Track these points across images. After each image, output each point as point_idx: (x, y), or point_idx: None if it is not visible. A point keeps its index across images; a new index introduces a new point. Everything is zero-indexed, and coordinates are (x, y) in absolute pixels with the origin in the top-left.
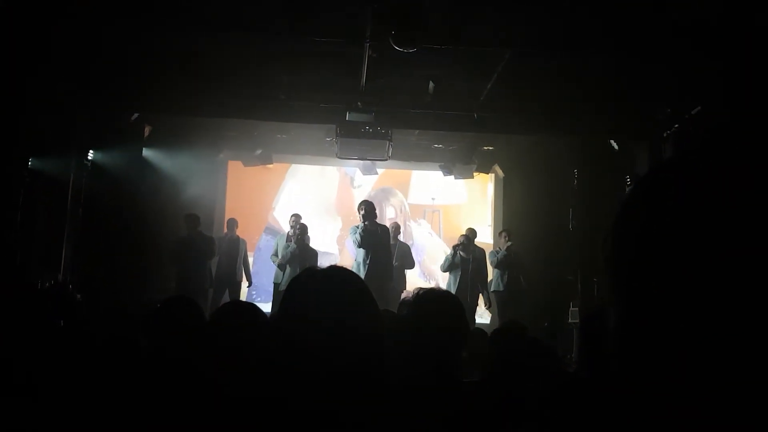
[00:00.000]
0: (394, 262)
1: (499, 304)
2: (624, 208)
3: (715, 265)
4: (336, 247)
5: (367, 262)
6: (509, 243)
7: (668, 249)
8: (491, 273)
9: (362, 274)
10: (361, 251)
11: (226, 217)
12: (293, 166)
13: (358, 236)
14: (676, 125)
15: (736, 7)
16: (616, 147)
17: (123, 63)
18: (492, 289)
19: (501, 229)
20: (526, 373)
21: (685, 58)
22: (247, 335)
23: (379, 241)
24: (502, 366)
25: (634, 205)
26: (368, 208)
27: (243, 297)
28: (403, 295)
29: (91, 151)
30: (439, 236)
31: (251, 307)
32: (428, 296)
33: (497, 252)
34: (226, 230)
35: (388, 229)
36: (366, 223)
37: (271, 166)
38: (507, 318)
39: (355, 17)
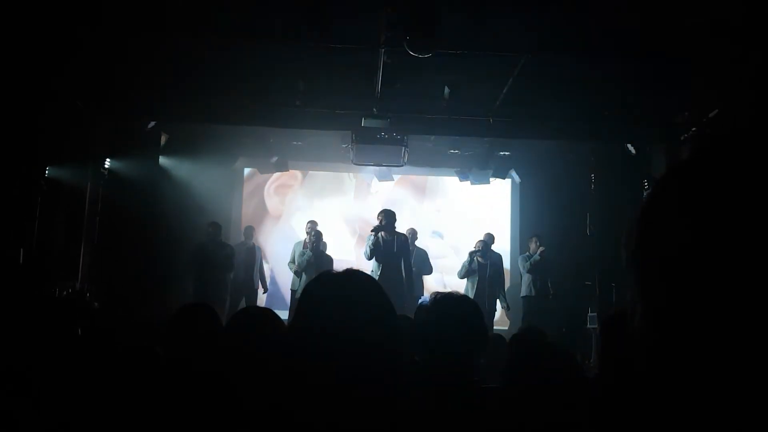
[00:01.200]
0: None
1: (527, 310)
2: (646, 208)
3: (740, 264)
4: (353, 253)
5: (378, 272)
6: (542, 248)
7: (697, 243)
8: (509, 278)
9: None
10: (372, 261)
11: (243, 225)
12: (310, 173)
13: (367, 249)
14: (694, 129)
15: (754, 8)
16: (633, 151)
17: (139, 71)
18: (523, 294)
19: (518, 234)
20: (545, 379)
21: (702, 60)
22: (264, 341)
23: (393, 252)
24: (520, 372)
25: (657, 205)
26: (388, 218)
27: (260, 304)
28: (420, 300)
29: (108, 160)
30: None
31: (267, 313)
32: (446, 301)
33: (529, 256)
34: (243, 238)
35: (407, 237)
36: (381, 233)
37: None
38: (532, 323)
39: (370, 24)
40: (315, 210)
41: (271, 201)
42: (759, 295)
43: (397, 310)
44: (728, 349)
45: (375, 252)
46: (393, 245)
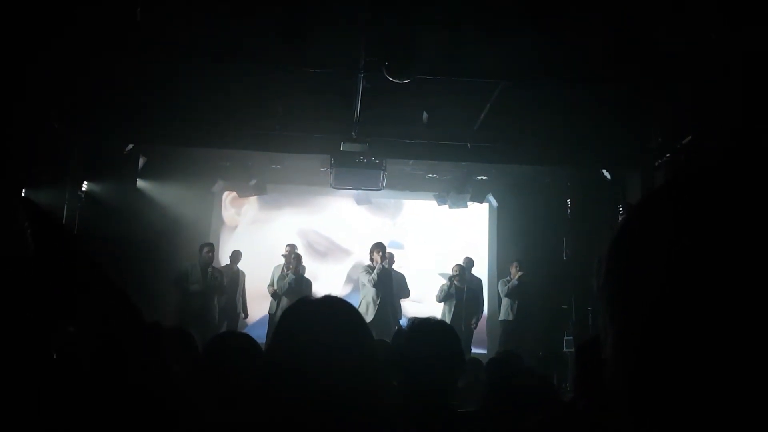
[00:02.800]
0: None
1: (505, 333)
2: (617, 237)
3: (710, 292)
4: (338, 285)
5: (377, 302)
6: (520, 273)
7: (663, 276)
8: (487, 302)
9: (371, 313)
10: (372, 291)
11: (221, 248)
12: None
13: (375, 276)
14: (668, 155)
15: (726, 35)
16: (608, 177)
17: (117, 94)
18: (501, 318)
19: (496, 258)
20: (521, 403)
21: (675, 87)
22: (241, 365)
23: (390, 283)
24: (497, 396)
25: (626, 233)
26: (384, 251)
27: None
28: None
29: (85, 182)
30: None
31: (245, 337)
32: (423, 326)
33: (508, 281)
34: (229, 261)
35: (402, 275)
36: (382, 265)
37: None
38: (509, 347)
39: (349, 48)
40: (272, 222)
41: (228, 212)
42: (726, 326)
43: (384, 335)
44: (698, 377)
45: (380, 281)
46: (390, 276)
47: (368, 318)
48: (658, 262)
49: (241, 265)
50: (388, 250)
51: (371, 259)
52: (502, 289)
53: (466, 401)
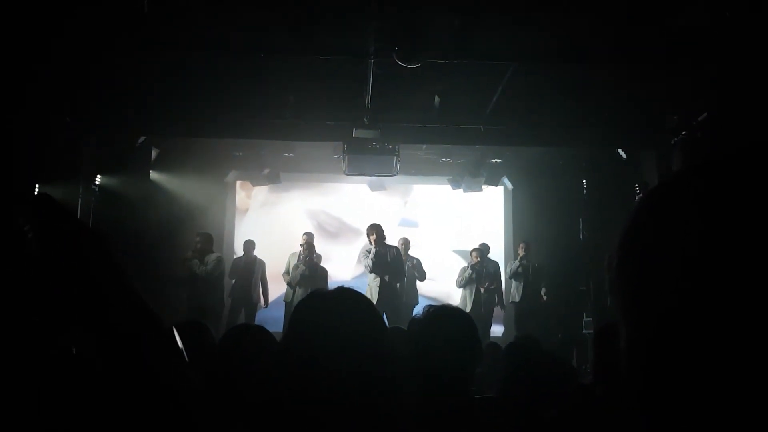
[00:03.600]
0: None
1: (517, 315)
2: (628, 229)
3: (724, 286)
4: (350, 266)
5: (379, 285)
6: (523, 254)
7: (676, 269)
8: (506, 284)
9: (375, 297)
10: (371, 275)
11: (235, 238)
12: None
13: (369, 261)
14: (684, 133)
15: (738, 12)
16: (624, 156)
17: (129, 86)
18: (510, 300)
19: (512, 241)
20: (539, 388)
21: (689, 65)
22: (256, 359)
23: (389, 263)
24: (516, 382)
25: (638, 226)
26: (379, 232)
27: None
28: (414, 312)
29: (98, 176)
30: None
31: (260, 330)
32: (438, 314)
33: (512, 263)
34: (243, 252)
35: (399, 249)
36: (377, 247)
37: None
38: (524, 329)
39: (359, 34)
40: (285, 206)
41: (238, 196)
42: (740, 321)
43: (393, 317)
44: (711, 373)
45: (375, 265)
46: (386, 257)
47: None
48: (672, 254)
49: (258, 252)
50: (404, 235)
51: (369, 242)
52: (506, 271)
53: (485, 387)
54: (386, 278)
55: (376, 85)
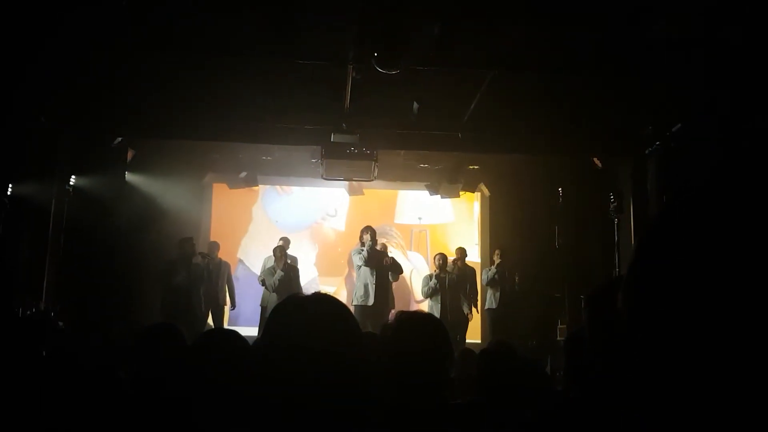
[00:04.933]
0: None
1: (491, 322)
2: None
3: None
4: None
5: (374, 283)
6: (499, 261)
7: (693, 279)
8: (480, 291)
9: (371, 296)
10: (367, 272)
11: (212, 239)
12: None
13: (365, 254)
14: (657, 143)
15: (714, 24)
16: (599, 165)
17: (105, 87)
18: (486, 307)
19: (488, 247)
20: (514, 393)
21: (664, 75)
22: (230, 363)
23: (382, 264)
24: (490, 387)
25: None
26: (372, 234)
27: (226, 319)
28: (390, 316)
29: (73, 177)
30: (427, 256)
31: (233, 335)
32: (409, 319)
33: (489, 270)
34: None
35: (386, 254)
36: (370, 246)
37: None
38: (499, 335)
39: (338, 39)
40: (263, 211)
41: (219, 204)
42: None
43: (378, 319)
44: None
45: (370, 258)
46: (377, 258)
47: (369, 301)
48: (690, 266)
49: (241, 255)
50: (382, 240)
51: (361, 243)
52: (483, 278)
53: (459, 393)
54: (380, 278)
55: (355, 90)
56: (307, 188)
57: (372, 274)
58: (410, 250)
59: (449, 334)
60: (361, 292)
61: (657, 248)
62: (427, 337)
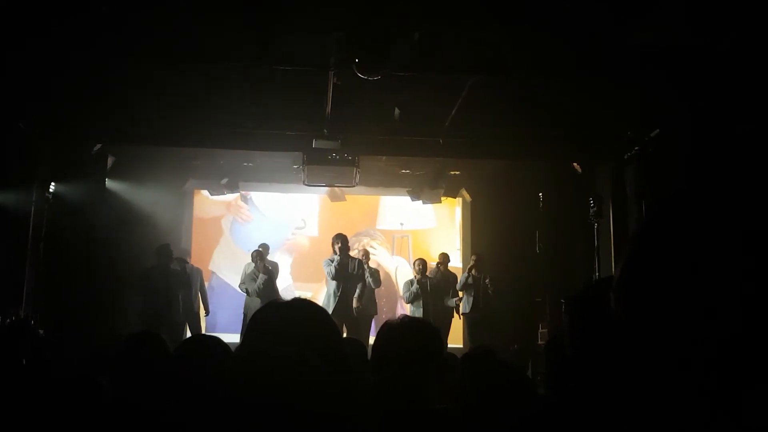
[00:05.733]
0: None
1: (467, 326)
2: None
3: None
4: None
5: (338, 294)
6: (470, 265)
7: (690, 278)
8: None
9: (332, 304)
10: (333, 283)
11: (193, 247)
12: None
13: (333, 269)
14: (636, 148)
15: (694, 31)
16: (579, 170)
17: (85, 93)
18: (461, 311)
19: (469, 252)
20: (496, 397)
21: (643, 81)
22: (212, 369)
23: (350, 274)
24: (472, 391)
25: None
26: (343, 242)
27: (203, 327)
28: (372, 323)
29: (52, 184)
30: (409, 261)
31: (215, 342)
32: (400, 326)
33: (465, 275)
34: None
35: (361, 261)
36: (340, 256)
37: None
38: (477, 340)
39: (320, 45)
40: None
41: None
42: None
43: (353, 328)
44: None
45: (338, 273)
46: (348, 267)
47: (329, 310)
48: (680, 267)
49: (216, 262)
50: (365, 246)
51: (333, 251)
52: (459, 282)
53: (441, 397)
54: (346, 288)
55: (336, 95)
56: (270, 204)
57: (338, 287)
58: (393, 255)
59: (440, 340)
60: (325, 302)
61: (651, 247)
62: (415, 342)
